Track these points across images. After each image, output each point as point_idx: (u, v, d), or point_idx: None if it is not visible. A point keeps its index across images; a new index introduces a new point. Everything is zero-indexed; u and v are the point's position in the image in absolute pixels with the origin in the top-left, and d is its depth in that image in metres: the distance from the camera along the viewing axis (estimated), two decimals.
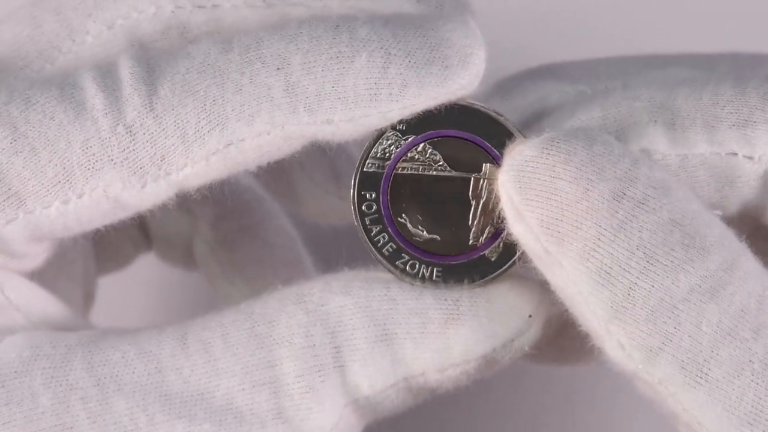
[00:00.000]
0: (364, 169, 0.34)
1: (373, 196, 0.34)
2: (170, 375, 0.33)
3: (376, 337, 0.33)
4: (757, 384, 0.31)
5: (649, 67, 0.37)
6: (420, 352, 0.33)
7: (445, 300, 0.33)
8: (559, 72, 0.37)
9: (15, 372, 0.33)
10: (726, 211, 0.35)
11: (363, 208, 0.34)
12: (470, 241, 0.34)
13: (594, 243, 0.31)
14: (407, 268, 0.34)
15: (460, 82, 0.33)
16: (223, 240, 0.43)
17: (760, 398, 0.31)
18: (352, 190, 0.34)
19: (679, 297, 0.31)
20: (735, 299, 0.31)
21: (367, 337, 0.33)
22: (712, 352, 0.31)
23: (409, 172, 0.34)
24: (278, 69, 0.33)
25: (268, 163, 0.41)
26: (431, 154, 0.34)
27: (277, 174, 0.41)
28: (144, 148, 0.33)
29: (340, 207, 0.41)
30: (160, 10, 0.35)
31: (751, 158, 0.34)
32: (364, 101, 0.33)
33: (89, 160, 0.33)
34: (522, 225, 0.32)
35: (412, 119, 0.33)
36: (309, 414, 0.33)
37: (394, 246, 0.34)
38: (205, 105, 0.33)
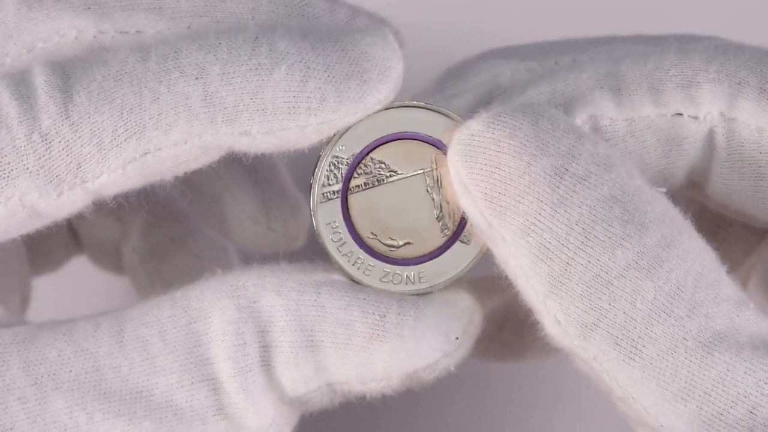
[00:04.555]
0: (320, 202, 0.34)
1: (336, 224, 0.34)
2: (108, 373, 0.33)
3: (301, 342, 0.33)
4: (691, 361, 0.31)
5: (598, 44, 0.37)
6: (342, 363, 0.33)
7: (372, 314, 0.33)
8: (509, 52, 0.37)
9: None
10: (673, 179, 0.35)
11: (331, 238, 0.34)
12: (442, 234, 0.34)
13: (534, 218, 0.31)
14: (392, 281, 0.34)
15: (378, 96, 0.33)
16: (152, 250, 0.43)
17: (694, 374, 0.31)
18: (315, 225, 0.34)
19: (615, 273, 0.31)
20: (671, 276, 0.31)
21: (292, 342, 0.33)
22: (647, 329, 0.31)
23: (362, 189, 0.34)
24: (197, 79, 0.33)
25: (199, 191, 0.41)
26: (378, 163, 0.34)
27: (208, 202, 0.41)
28: (60, 156, 0.33)
29: (270, 237, 0.41)
30: (81, 35, 0.35)
31: (696, 118, 0.34)
32: (282, 114, 0.33)
33: (4, 169, 0.33)
34: (468, 198, 0.32)
35: (347, 139, 0.34)
36: (246, 412, 0.34)
37: (373, 264, 0.34)
38: (122, 113, 0.33)
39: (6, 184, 0.33)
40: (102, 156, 0.33)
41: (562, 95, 0.34)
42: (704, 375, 0.31)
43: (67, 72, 0.33)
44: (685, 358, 0.31)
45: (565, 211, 0.31)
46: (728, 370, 0.31)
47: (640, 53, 0.35)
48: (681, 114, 0.34)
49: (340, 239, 0.34)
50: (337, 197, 0.34)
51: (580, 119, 0.34)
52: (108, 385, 0.33)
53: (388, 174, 0.34)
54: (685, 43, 0.36)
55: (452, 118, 0.34)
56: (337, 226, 0.34)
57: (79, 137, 0.33)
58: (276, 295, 0.33)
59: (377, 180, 0.34)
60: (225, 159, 0.40)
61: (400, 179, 0.34)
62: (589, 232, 0.31)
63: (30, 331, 0.34)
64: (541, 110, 0.32)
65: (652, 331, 0.31)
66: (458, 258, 0.34)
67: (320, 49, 0.33)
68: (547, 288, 0.32)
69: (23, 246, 0.42)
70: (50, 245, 0.44)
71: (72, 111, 0.33)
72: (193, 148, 0.33)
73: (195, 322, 0.34)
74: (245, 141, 0.33)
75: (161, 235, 0.43)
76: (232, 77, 0.33)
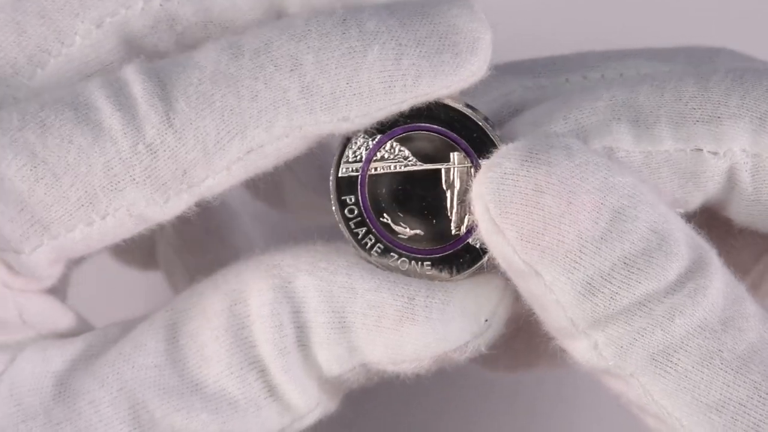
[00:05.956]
0: (340, 175, 0.34)
1: (353, 199, 0.34)
2: (166, 369, 0.33)
3: (333, 323, 0.33)
4: (726, 372, 0.32)
5: (608, 60, 0.37)
6: (374, 344, 0.33)
7: (402, 297, 0.33)
8: (519, 68, 0.37)
9: (29, 390, 0.34)
10: (688, 206, 0.35)
11: (345, 212, 0.34)
12: (453, 231, 0.34)
13: (577, 255, 0.31)
14: (399, 265, 0.34)
15: (471, 68, 0.33)
16: (189, 242, 0.43)
17: (728, 386, 0.32)
18: (332, 197, 0.34)
19: (657, 298, 0.32)
20: (708, 293, 0.32)
21: (324, 323, 0.33)
22: (683, 342, 0.32)
23: (382, 171, 0.34)
24: (292, 71, 0.32)
25: None
26: (400, 150, 0.34)
27: (264, 175, 0.41)
28: (165, 164, 0.32)
29: (328, 206, 0.41)
30: (147, 5, 0.34)
31: (716, 154, 0.34)
32: (378, 95, 0.32)
33: (111, 182, 0.32)
34: (499, 237, 0.32)
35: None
36: (292, 393, 0.34)
37: (382, 246, 0.34)
38: (223, 115, 0.32)
39: (114, 196, 0.33)
40: (207, 160, 0.33)
41: (575, 123, 0.34)
42: (739, 386, 0.31)
43: (163, 78, 0.33)
44: (720, 369, 0.31)
45: (607, 247, 0.31)
46: (763, 381, 0.31)
47: (656, 79, 0.34)
48: (701, 149, 0.34)
49: (355, 215, 0.34)
50: (357, 174, 0.34)
51: (596, 149, 0.34)
52: (167, 381, 0.33)
53: (408, 162, 0.34)
54: (699, 66, 0.36)
55: (480, 123, 0.34)
56: (353, 203, 0.34)
57: (184, 144, 0.32)
58: (309, 276, 0.34)
59: (397, 165, 0.34)
60: None
61: (420, 169, 0.34)
62: (632, 265, 0.31)
63: (95, 336, 0.35)
64: (570, 143, 0.32)
65: (688, 345, 0.32)
66: (464, 260, 0.34)
67: (409, 24, 0.32)
68: (590, 322, 0.32)
69: None
70: None
71: (174, 119, 0.32)
72: (295, 139, 0.33)
73: (236, 304, 0.34)
74: (345, 126, 0.33)
75: (195, 228, 0.43)
76: (327, 64, 0.32)
